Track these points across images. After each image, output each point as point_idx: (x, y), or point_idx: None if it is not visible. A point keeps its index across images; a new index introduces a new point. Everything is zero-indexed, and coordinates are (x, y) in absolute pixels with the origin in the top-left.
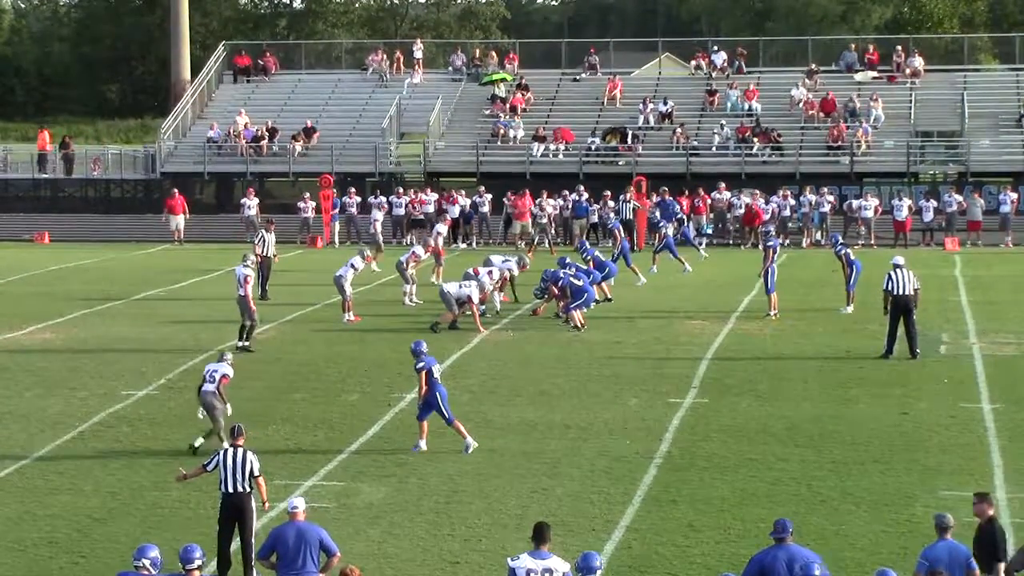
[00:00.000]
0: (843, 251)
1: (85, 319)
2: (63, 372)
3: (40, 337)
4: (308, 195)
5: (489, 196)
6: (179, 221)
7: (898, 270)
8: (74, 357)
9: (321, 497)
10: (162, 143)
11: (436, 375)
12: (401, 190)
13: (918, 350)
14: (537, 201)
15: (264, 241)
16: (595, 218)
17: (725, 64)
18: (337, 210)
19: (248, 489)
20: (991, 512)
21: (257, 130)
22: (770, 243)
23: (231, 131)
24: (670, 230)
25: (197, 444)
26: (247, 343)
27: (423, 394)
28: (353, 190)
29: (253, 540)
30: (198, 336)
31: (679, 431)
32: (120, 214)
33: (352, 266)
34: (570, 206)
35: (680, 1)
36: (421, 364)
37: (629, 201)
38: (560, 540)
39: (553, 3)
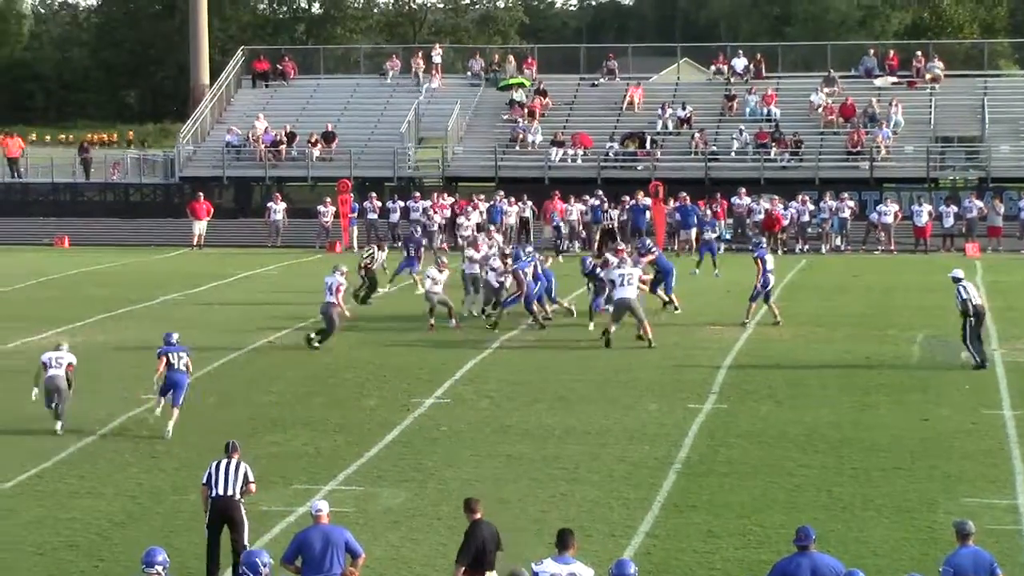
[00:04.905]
0: (762, 255)
1: (104, 323)
2: (82, 376)
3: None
4: (328, 200)
5: (530, 203)
6: (202, 226)
7: (963, 283)
8: (93, 361)
9: (340, 501)
10: (181, 148)
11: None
12: (419, 194)
13: (983, 359)
14: (562, 206)
15: (373, 257)
16: (614, 223)
17: (744, 69)
18: (355, 214)
19: (239, 496)
20: None
21: (276, 135)
22: (758, 253)
23: (250, 136)
24: (712, 234)
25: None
26: (317, 344)
27: None
28: (373, 195)
29: (247, 546)
30: (217, 340)
31: (698, 437)
32: (139, 218)
33: (431, 277)
34: (589, 211)
35: (699, 6)
36: None
37: (637, 206)
38: (578, 546)
39: (572, 8)
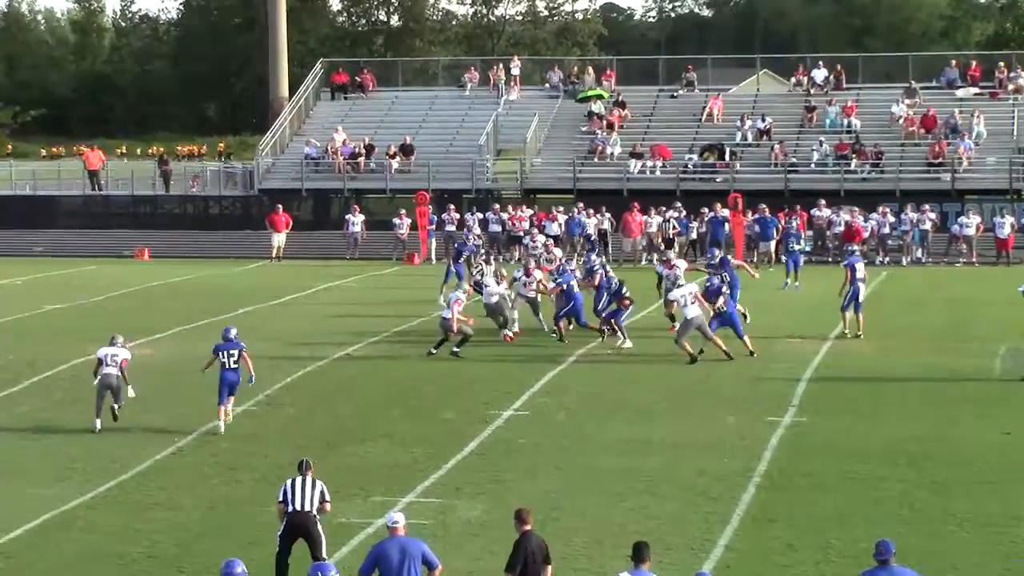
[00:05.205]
0: (852, 263)
1: (184, 335)
2: (162, 388)
3: (139, 353)
4: (404, 212)
5: (609, 215)
6: (280, 238)
7: None
8: (173, 373)
9: (419, 514)
10: (260, 160)
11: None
12: (498, 206)
13: None
14: (644, 218)
15: (483, 272)
16: (694, 235)
17: (824, 81)
18: (433, 226)
19: (315, 511)
20: None
21: (355, 147)
22: (848, 261)
23: (328, 148)
24: (797, 246)
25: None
26: (452, 350)
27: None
28: (452, 207)
29: (326, 558)
30: (296, 352)
31: (778, 450)
32: (218, 230)
33: (487, 287)
34: (668, 223)
35: (778, 17)
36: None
37: (716, 218)
38: (658, 559)
39: (651, 20)
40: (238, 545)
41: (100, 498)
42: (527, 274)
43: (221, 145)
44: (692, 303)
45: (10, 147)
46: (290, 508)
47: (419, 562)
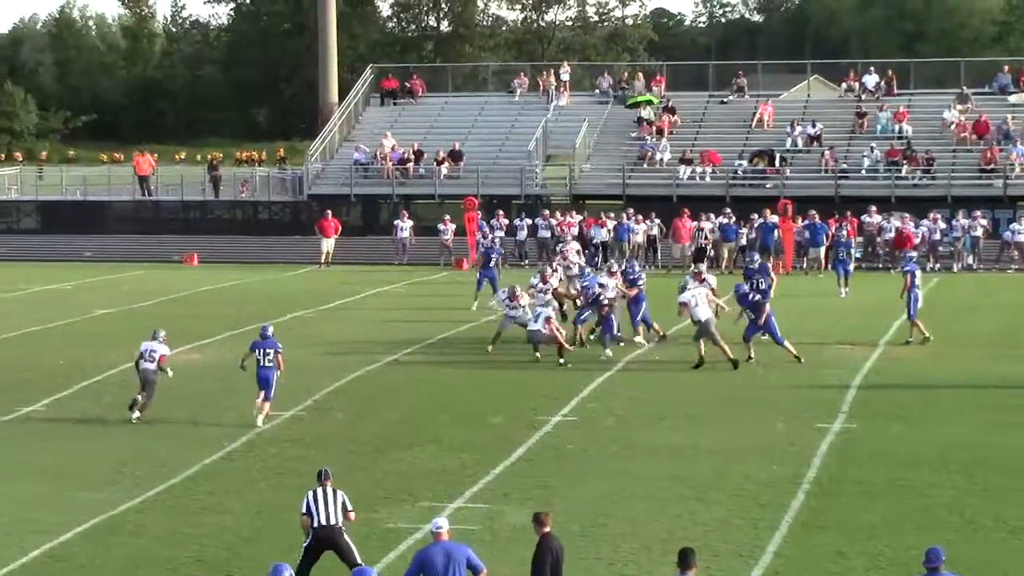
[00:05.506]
0: (912, 270)
1: (233, 340)
2: (211, 392)
3: (189, 358)
4: (448, 217)
5: (658, 221)
6: (330, 243)
7: None
8: (222, 377)
9: (467, 519)
10: (309, 165)
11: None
12: (547, 212)
13: None
14: (691, 224)
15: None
16: (743, 241)
17: (876, 86)
18: (481, 232)
19: (341, 523)
20: None
21: (404, 152)
22: (907, 268)
23: (378, 153)
24: (849, 254)
25: None
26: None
27: None
28: (500, 212)
29: (360, 563)
30: (344, 357)
31: (827, 456)
32: (267, 236)
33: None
34: (718, 229)
35: (829, 23)
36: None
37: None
38: (705, 565)
39: (701, 25)
40: (286, 550)
41: (149, 502)
42: (543, 280)
43: (281, 151)
44: (702, 303)
45: (73, 152)
46: (315, 523)
47: (464, 567)
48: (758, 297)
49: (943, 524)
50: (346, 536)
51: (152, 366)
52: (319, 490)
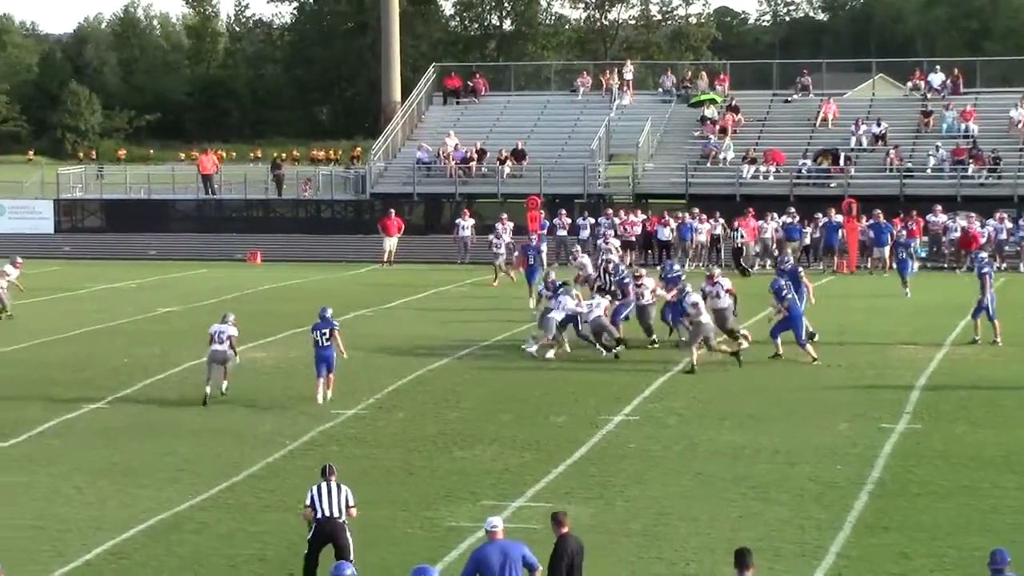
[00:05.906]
0: (990, 271)
1: (296, 338)
2: (274, 390)
3: (252, 356)
4: (505, 216)
5: (722, 220)
6: (392, 242)
7: None
8: (285, 376)
9: (528, 518)
10: (372, 164)
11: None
12: (611, 211)
13: None
14: (755, 224)
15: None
16: (807, 240)
17: (941, 85)
18: (545, 231)
19: (343, 518)
20: None
21: (466, 151)
22: (984, 270)
23: (440, 152)
24: (909, 254)
25: None
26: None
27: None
28: (563, 211)
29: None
30: (405, 357)
31: (891, 457)
32: (330, 234)
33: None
34: (781, 228)
35: (894, 22)
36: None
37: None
38: (768, 565)
39: (765, 24)
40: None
41: (211, 500)
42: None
43: (359, 149)
44: (704, 310)
45: (123, 152)
46: (319, 515)
47: (520, 565)
48: (791, 295)
49: (1008, 526)
50: (348, 533)
51: (223, 347)
52: (323, 484)
